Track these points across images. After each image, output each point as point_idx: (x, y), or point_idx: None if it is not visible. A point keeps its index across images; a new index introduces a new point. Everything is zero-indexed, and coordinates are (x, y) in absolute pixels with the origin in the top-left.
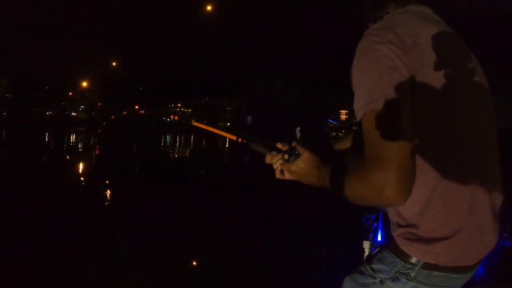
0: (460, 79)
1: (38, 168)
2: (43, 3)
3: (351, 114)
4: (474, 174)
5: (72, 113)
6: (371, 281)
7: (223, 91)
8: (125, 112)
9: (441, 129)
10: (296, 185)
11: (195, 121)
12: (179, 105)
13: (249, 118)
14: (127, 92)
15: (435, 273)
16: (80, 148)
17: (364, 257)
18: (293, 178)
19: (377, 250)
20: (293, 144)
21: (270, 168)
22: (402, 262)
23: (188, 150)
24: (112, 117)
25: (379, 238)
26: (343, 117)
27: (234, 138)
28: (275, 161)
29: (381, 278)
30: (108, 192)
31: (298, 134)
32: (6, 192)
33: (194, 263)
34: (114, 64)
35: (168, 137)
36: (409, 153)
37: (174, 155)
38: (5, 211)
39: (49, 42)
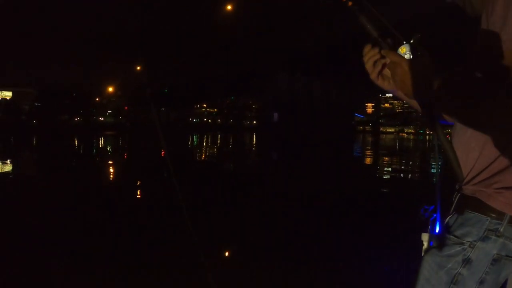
0: None
1: (67, 171)
2: (69, 13)
3: (377, 107)
4: None
5: (100, 118)
6: (459, 248)
7: (248, 90)
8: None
9: None
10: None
11: None
12: (204, 105)
13: (275, 115)
14: (153, 95)
15: None
16: (109, 152)
17: (423, 250)
18: (390, 83)
19: (449, 218)
20: (414, 42)
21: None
22: (489, 218)
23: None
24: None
25: (437, 230)
26: (370, 110)
27: None
28: (384, 51)
29: (469, 241)
30: (139, 192)
31: (416, 38)
32: (35, 193)
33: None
34: (138, 68)
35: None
36: None
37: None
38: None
39: (74, 50)
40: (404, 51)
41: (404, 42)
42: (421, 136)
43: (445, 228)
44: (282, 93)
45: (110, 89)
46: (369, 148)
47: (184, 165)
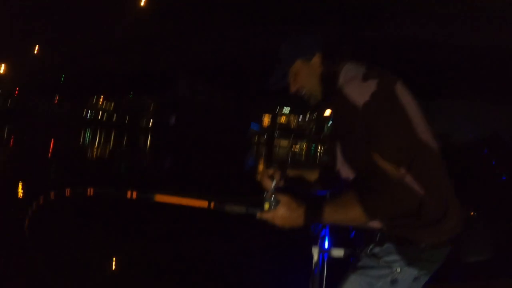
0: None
1: None
2: None
3: (273, 120)
4: (445, 178)
5: None
6: (388, 271)
7: (148, 89)
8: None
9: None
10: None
11: (158, 195)
12: (101, 100)
13: (172, 118)
14: (48, 81)
15: (436, 250)
16: None
17: (313, 263)
18: (276, 225)
19: (373, 246)
20: (268, 194)
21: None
22: (414, 249)
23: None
24: None
25: (326, 245)
26: (266, 122)
27: (205, 204)
28: (258, 216)
29: (397, 266)
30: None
31: (273, 185)
32: None
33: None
34: (36, 50)
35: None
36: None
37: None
38: None
39: None
40: (268, 205)
41: (264, 195)
42: (313, 152)
43: (371, 254)
44: (182, 96)
45: (1, 68)
46: (262, 158)
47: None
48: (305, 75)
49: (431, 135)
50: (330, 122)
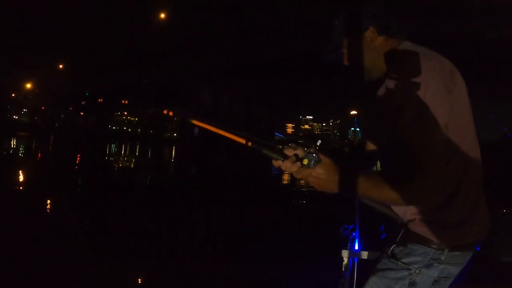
0: None
1: None
2: None
3: (297, 128)
4: (477, 180)
5: (14, 116)
6: (406, 273)
7: (171, 101)
8: None
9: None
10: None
11: (195, 119)
12: (125, 113)
13: (196, 129)
14: (73, 97)
15: (457, 252)
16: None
17: (343, 266)
18: (309, 183)
19: (394, 247)
20: (311, 150)
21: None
22: (434, 250)
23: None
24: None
25: (356, 247)
26: (290, 130)
27: (243, 141)
28: (291, 166)
29: (416, 267)
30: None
31: (317, 144)
32: None
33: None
34: (61, 66)
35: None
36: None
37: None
38: None
39: None
40: (307, 161)
41: (306, 149)
42: None
43: (391, 255)
44: (205, 107)
45: (28, 85)
46: None
47: (97, 175)
48: (359, 49)
49: (475, 134)
50: (355, 128)
